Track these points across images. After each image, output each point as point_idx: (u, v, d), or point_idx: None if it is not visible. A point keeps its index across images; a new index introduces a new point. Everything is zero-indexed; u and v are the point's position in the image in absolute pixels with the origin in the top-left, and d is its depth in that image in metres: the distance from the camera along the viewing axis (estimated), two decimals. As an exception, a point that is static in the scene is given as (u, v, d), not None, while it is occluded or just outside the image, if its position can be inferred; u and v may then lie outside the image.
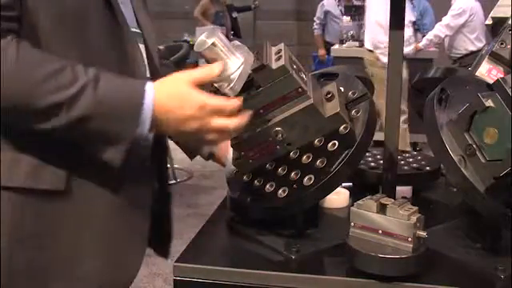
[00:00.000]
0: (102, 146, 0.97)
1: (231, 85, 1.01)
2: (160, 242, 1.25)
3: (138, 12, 1.15)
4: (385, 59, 4.18)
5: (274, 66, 1.09)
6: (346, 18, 7.03)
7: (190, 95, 0.99)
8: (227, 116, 1.00)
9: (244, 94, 1.06)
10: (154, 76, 1.11)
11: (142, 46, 1.12)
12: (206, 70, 1.01)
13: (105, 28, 1.02)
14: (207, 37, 1.02)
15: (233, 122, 1.01)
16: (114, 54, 1.04)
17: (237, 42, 1.06)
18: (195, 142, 1.26)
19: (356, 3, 7.34)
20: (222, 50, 1.01)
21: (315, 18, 7.45)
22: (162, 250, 1.26)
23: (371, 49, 5.03)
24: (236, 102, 1.01)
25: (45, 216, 1.00)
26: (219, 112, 1.00)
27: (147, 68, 1.12)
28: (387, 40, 1.33)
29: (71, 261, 1.04)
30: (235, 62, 1.02)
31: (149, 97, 0.97)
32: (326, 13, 7.32)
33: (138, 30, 1.13)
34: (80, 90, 0.93)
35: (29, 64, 0.92)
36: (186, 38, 7.73)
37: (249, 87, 1.08)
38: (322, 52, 7.33)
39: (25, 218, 0.99)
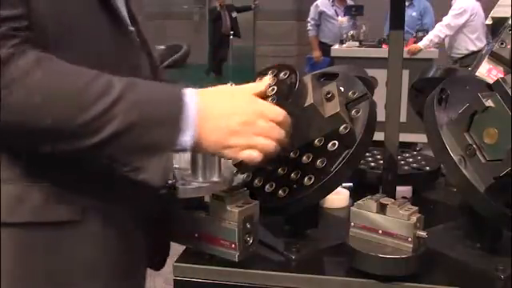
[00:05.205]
0: (140, 160, 0.87)
1: (186, 182, 0.99)
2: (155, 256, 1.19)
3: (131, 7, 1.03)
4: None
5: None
6: (342, 19, 6.97)
7: (240, 89, 0.95)
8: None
9: None
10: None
11: None
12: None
13: (111, 37, 0.94)
14: None
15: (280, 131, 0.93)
16: (126, 65, 0.96)
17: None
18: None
19: (351, 3, 7.32)
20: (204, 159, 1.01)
21: (309, 19, 7.30)
22: (158, 262, 1.22)
23: None
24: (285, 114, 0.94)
25: (56, 250, 0.92)
26: (272, 117, 0.92)
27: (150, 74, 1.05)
28: None
29: None
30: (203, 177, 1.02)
31: (191, 97, 0.90)
32: (321, 13, 7.21)
33: (133, 29, 1.01)
34: (119, 94, 0.85)
35: (68, 76, 0.85)
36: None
37: None
38: (317, 54, 7.20)
39: (32, 255, 0.91)
